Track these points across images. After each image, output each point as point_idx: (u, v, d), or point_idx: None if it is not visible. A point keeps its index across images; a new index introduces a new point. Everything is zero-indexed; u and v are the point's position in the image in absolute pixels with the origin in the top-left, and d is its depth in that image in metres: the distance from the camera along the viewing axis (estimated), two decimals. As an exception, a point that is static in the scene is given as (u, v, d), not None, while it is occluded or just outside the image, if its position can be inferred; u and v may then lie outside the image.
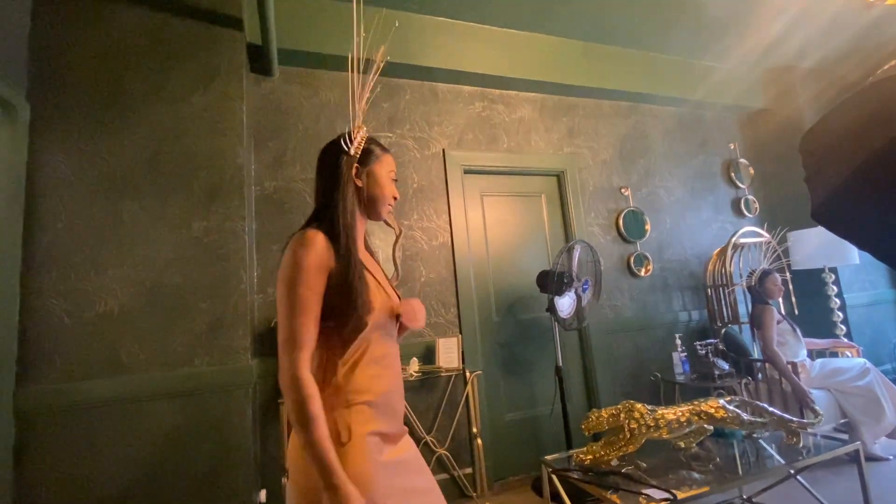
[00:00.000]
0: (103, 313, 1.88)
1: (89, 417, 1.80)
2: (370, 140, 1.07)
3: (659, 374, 3.04)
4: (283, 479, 1.94)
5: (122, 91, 2.04)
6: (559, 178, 3.22)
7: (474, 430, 2.42)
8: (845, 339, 3.17)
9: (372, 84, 1.08)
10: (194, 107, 2.11)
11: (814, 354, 2.97)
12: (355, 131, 1.04)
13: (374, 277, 1.01)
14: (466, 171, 2.94)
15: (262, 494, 2.07)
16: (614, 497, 1.45)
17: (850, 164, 0.68)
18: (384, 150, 1.09)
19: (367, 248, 1.12)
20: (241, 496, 1.92)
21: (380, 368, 0.96)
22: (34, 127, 1.91)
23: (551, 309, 2.56)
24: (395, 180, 1.10)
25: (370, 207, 1.06)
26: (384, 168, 1.07)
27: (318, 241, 0.91)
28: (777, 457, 1.71)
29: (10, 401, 1.70)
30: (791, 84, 3.75)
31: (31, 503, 1.69)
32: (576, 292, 2.65)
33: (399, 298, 1.07)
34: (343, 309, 0.91)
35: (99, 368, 1.84)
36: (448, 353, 2.48)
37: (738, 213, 3.73)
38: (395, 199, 1.10)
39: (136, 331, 1.90)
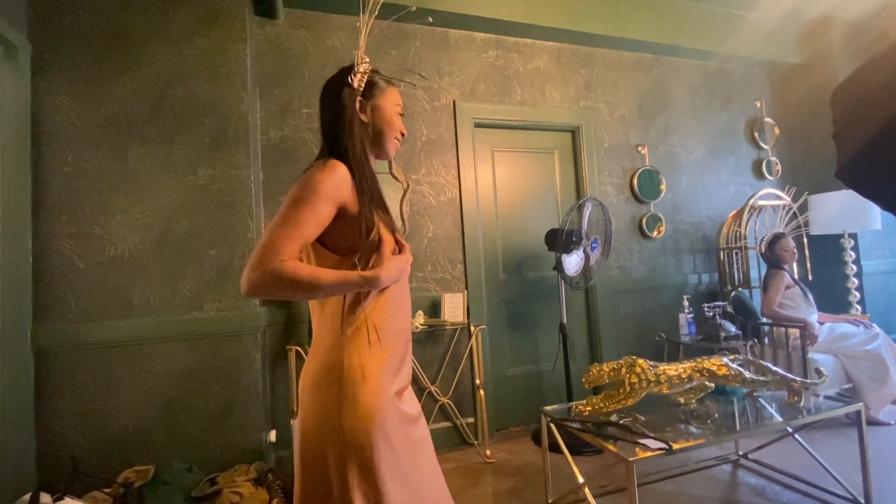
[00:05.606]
0: (113, 257, 1.91)
1: (105, 356, 1.87)
2: (374, 72, 1.03)
3: (664, 335, 3.05)
4: (291, 421, 2.02)
5: (123, 31, 1.98)
6: (574, 133, 3.11)
7: (477, 381, 2.47)
8: (858, 308, 3.12)
9: (375, 12, 1.01)
10: (196, 49, 2.05)
11: (824, 320, 2.93)
12: (358, 63, 0.99)
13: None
14: (477, 125, 2.85)
15: (272, 435, 2.16)
16: (611, 446, 1.48)
17: (880, 120, 0.64)
18: (389, 81, 1.05)
19: None
20: (251, 434, 2.01)
21: (398, 306, 0.96)
22: (36, 68, 1.88)
23: (558, 267, 2.54)
24: (402, 114, 1.05)
25: (376, 144, 1.02)
26: (389, 101, 1.02)
27: (341, 171, 0.89)
28: (776, 415, 1.72)
29: (28, 338, 1.77)
30: (827, 37, 3.50)
31: (52, 434, 1.79)
32: (584, 251, 2.62)
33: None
34: (362, 243, 0.90)
35: (112, 310, 1.89)
36: (453, 308, 2.49)
37: (759, 174, 3.59)
38: (402, 134, 1.05)
39: (145, 275, 1.94)
